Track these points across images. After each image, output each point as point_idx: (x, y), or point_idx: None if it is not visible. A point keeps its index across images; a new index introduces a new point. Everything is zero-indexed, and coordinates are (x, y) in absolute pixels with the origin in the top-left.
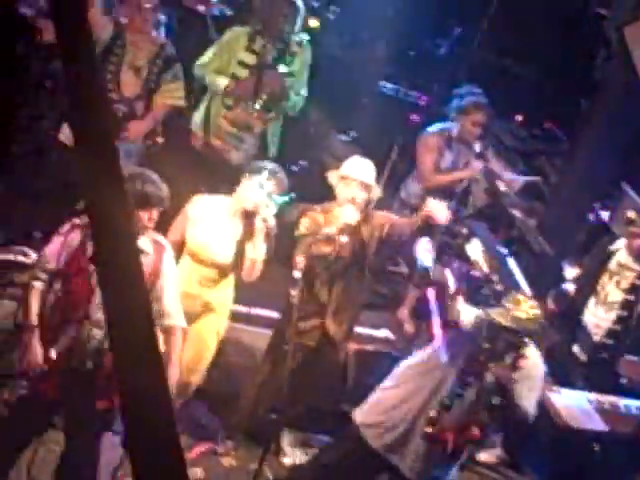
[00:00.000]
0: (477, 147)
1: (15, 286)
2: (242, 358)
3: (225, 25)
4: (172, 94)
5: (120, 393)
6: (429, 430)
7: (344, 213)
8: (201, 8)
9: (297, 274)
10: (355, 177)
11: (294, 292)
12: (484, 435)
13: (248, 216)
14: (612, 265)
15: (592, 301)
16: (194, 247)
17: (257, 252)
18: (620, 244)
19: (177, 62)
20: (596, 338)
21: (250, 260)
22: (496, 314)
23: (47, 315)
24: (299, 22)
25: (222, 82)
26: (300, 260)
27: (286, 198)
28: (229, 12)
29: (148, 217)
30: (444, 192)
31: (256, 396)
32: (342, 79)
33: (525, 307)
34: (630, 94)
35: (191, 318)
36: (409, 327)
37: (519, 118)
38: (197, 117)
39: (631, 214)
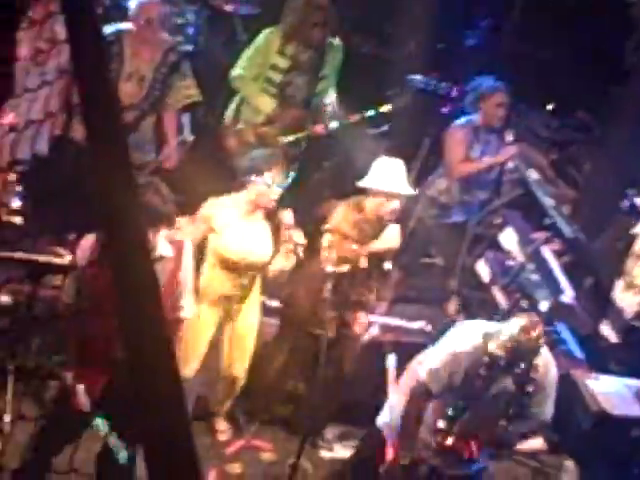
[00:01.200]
0: (509, 137)
1: (50, 288)
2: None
3: (253, 23)
4: (184, 93)
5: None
6: (438, 440)
7: (389, 238)
8: (228, 7)
9: (330, 268)
10: (383, 190)
11: (329, 285)
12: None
13: (268, 216)
14: (637, 248)
15: (620, 285)
16: (229, 255)
17: (288, 261)
18: None
19: (185, 61)
20: (626, 320)
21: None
22: (496, 345)
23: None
24: (331, 28)
25: (268, 105)
26: (332, 255)
27: (288, 180)
28: (256, 10)
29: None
30: (476, 182)
31: (274, 382)
32: (372, 76)
33: (529, 333)
34: None
35: (230, 317)
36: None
37: (551, 107)
38: (229, 112)
39: None
